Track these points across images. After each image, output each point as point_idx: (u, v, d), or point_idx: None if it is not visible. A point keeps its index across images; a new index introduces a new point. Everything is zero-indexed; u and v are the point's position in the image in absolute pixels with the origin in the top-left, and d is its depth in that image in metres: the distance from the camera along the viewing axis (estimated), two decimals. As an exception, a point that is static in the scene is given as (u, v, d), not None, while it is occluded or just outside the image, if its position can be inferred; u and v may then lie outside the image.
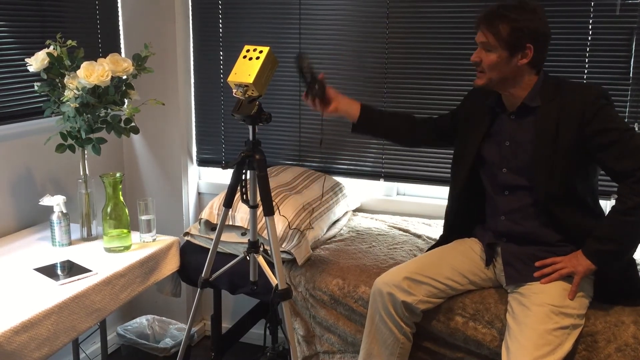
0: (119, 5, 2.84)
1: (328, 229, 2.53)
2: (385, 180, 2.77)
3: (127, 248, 2.19)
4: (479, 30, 1.90)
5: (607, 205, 2.47)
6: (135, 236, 2.28)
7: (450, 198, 2.17)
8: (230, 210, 2.32)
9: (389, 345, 1.97)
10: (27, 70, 2.17)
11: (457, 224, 2.17)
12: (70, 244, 2.23)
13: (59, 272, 1.98)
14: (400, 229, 2.58)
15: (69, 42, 2.18)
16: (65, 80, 2.15)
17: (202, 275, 2.09)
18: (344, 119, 2.73)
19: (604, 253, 1.83)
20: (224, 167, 2.88)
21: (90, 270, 1.98)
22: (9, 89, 2.31)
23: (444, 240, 2.19)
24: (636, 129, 2.34)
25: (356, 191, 2.83)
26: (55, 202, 2.17)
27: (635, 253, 2.26)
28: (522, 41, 1.85)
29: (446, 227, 2.20)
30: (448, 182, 2.66)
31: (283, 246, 2.24)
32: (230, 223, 2.35)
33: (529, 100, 1.93)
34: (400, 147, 2.68)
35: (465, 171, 2.07)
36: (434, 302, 1.98)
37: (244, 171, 1.94)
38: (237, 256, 2.14)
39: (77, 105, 2.13)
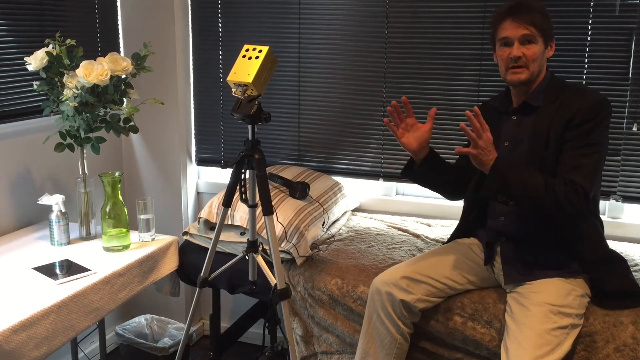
0: (118, 4, 2.84)
1: (327, 229, 2.53)
2: (384, 180, 2.77)
3: (125, 247, 2.18)
4: (512, 24, 1.87)
5: (606, 205, 2.48)
6: (134, 235, 2.27)
7: (465, 199, 2.19)
8: (230, 209, 2.32)
9: (386, 345, 1.96)
10: (26, 69, 2.17)
11: (464, 225, 2.18)
12: (69, 243, 2.22)
13: (57, 271, 1.98)
14: (399, 229, 2.58)
15: (68, 41, 2.18)
16: (65, 79, 2.15)
17: (201, 274, 2.09)
18: (344, 119, 2.74)
19: (502, 170, 1.79)
20: (223, 167, 2.86)
21: (89, 270, 1.97)
22: (8, 88, 2.30)
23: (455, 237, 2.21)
24: (635, 129, 2.34)
25: (355, 191, 2.83)
26: (54, 201, 2.17)
27: (631, 255, 2.28)
28: (551, 30, 1.89)
29: (461, 226, 2.21)
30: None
31: (282, 246, 2.24)
32: (230, 222, 2.35)
33: (531, 99, 1.94)
34: (399, 147, 2.68)
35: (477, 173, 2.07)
36: (433, 302, 1.98)
37: (243, 170, 1.94)
38: (236, 256, 2.14)
39: (76, 104, 2.13)
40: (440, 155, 2.59)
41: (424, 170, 2.03)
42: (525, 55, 1.87)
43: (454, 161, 2.24)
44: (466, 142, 2.28)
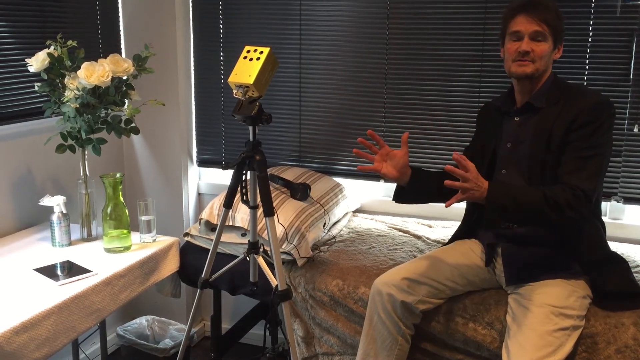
0: (120, 5, 2.84)
1: (328, 230, 2.53)
2: (385, 181, 2.77)
3: (127, 248, 2.19)
4: (526, 19, 1.86)
5: (607, 206, 2.48)
6: (135, 237, 2.27)
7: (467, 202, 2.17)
8: (231, 210, 2.32)
9: (387, 346, 1.96)
10: (28, 71, 2.18)
11: (465, 226, 2.17)
12: (70, 244, 2.23)
13: (58, 272, 1.98)
14: (400, 230, 2.57)
15: (70, 42, 2.18)
16: (66, 80, 2.15)
17: (202, 275, 2.09)
18: (345, 120, 2.75)
19: (499, 202, 1.78)
20: (224, 168, 2.88)
21: (90, 271, 1.98)
22: (10, 89, 2.31)
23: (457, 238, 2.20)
24: (636, 130, 2.34)
25: (356, 192, 2.82)
26: (56, 202, 2.17)
27: (632, 256, 2.28)
28: (562, 34, 1.90)
29: (463, 227, 2.21)
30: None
31: (283, 247, 2.24)
32: (231, 224, 2.35)
33: (534, 100, 1.93)
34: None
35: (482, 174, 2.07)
36: (434, 303, 1.98)
37: (244, 172, 1.94)
38: (237, 257, 2.14)
39: (78, 106, 2.13)
40: (443, 157, 2.61)
41: (415, 190, 2.03)
42: (534, 51, 1.87)
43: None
44: (467, 144, 2.29)
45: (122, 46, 2.87)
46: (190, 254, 2.41)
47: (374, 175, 2.76)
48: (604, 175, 1.90)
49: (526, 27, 1.87)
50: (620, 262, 1.96)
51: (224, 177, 3.06)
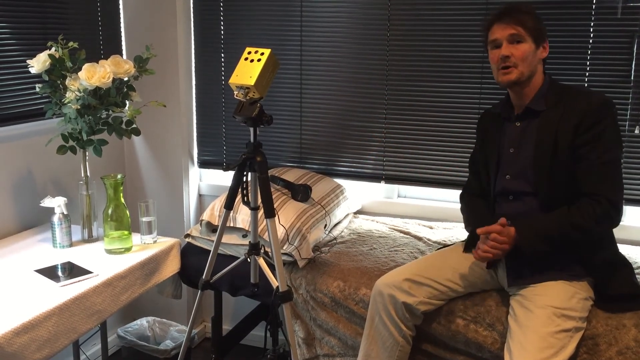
0: (121, 7, 2.85)
1: (329, 231, 2.53)
2: (386, 183, 2.77)
3: (127, 250, 2.19)
4: (500, 26, 1.90)
5: (608, 208, 2.47)
6: (136, 238, 2.28)
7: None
8: (231, 212, 2.32)
9: (388, 347, 1.96)
10: (29, 72, 2.18)
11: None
12: (71, 245, 2.23)
13: (59, 273, 1.98)
14: (401, 231, 2.57)
15: (71, 43, 2.18)
16: (67, 81, 2.15)
17: (203, 277, 2.09)
18: (346, 121, 2.75)
19: (533, 248, 1.85)
20: (225, 169, 2.88)
21: (91, 272, 1.98)
22: (11, 90, 2.31)
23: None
24: (637, 131, 2.34)
25: (357, 193, 2.82)
26: (56, 203, 2.17)
27: (633, 257, 2.27)
28: (543, 31, 1.91)
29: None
30: (448, 185, 2.67)
31: (284, 248, 2.24)
32: (231, 225, 2.35)
33: (533, 104, 1.94)
34: (401, 149, 2.68)
35: (485, 178, 2.09)
36: (435, 304, 1.98)
37: (245, 173, 1.94)
38: (238, 258, 2.14)
39: (79, 107, 2.13)
40: (443, 158, 2.61)
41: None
42: (514, 55, 1.89)
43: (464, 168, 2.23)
44: (468, 145, 2.29)
45: (123, 47, 2.88)
46: (191, 255, 2.41)
47: (375, 177, 2.76)
48: (622, 176, 1.92)
49: (502, 33, 1.91)
50: (624, 265, 1.96)
51: (224, 178, 3.06)
